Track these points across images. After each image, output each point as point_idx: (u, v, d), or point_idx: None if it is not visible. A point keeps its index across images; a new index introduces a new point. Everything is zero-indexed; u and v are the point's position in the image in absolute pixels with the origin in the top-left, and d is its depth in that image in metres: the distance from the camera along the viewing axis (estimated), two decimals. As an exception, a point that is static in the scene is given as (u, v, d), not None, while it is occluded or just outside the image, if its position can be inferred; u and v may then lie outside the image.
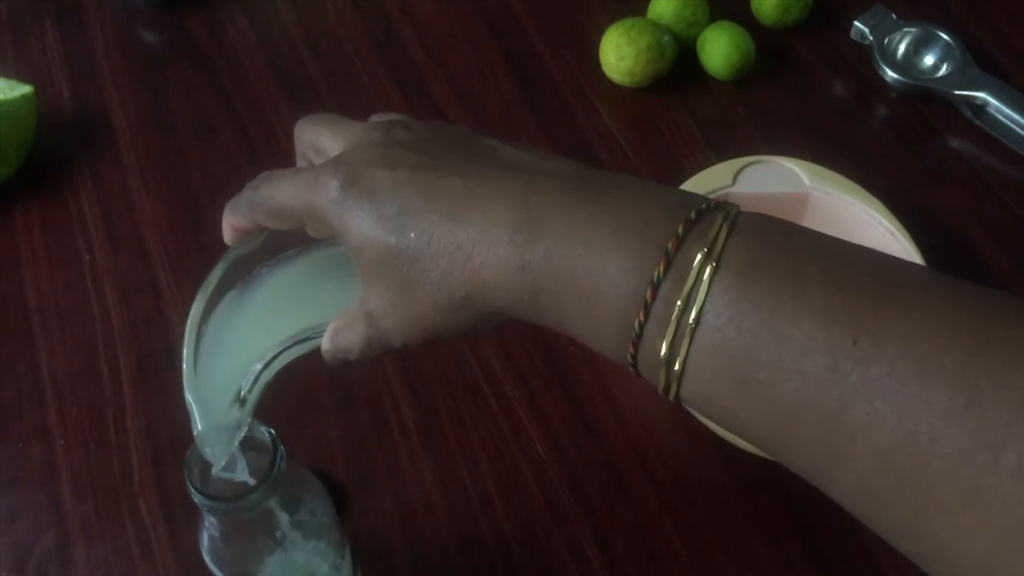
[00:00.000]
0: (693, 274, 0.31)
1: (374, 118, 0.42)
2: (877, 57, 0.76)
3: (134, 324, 0.65)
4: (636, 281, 0.32)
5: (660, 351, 0.32)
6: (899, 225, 0.62)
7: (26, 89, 0.71)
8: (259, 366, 0.40)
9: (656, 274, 0.31)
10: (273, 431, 0.41)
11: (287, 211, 0.38)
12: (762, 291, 0.30)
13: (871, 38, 0.78)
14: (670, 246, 0.31)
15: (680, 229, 0.32)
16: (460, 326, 0.36)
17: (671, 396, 0.33)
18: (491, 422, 0.60)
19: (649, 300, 0.32)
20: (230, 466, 0.40)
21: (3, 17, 0.82)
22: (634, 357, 0.33)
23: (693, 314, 0.31)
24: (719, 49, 0.75)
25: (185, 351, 0.40)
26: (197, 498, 0.40)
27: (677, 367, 0.32)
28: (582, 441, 0.59)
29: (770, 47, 0.79)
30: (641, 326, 0.32)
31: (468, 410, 0.61)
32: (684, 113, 0.76)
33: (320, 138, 0.40)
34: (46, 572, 0.56)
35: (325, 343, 0.39)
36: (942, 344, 0.28)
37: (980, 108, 0.74)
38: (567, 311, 0.34)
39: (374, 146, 0.37)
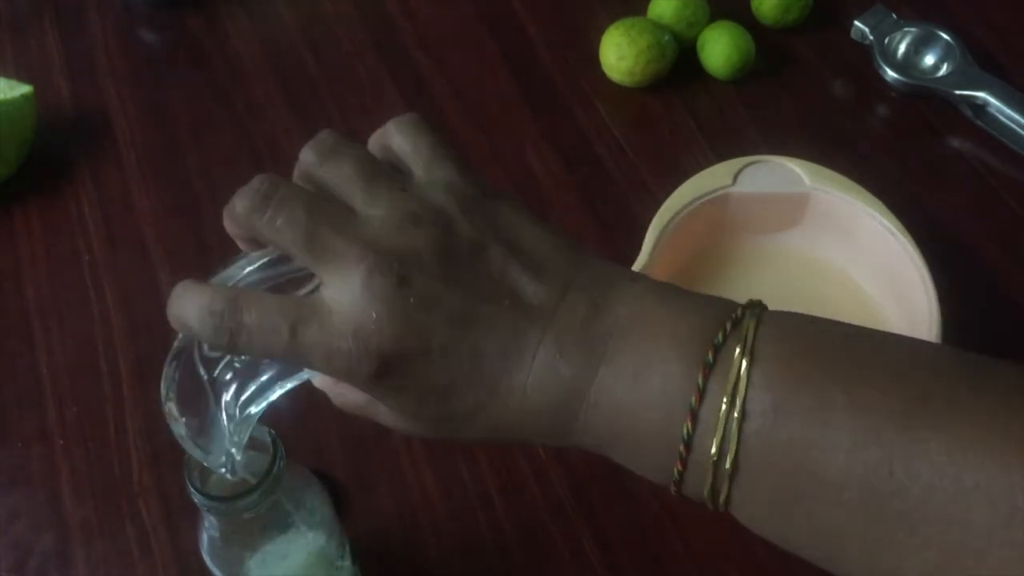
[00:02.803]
0: (713, 456, 0.31)
1: (374, 143, 0.38)
2: (877, 57, 0.76)
3: (134, 324, 0.65)
4: (662, 478, 0.33)
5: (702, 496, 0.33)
6: (899, 225, 0.62)
7: (26, 89, 0.71)
8: (252, 414, 0.38)
9: (677, 472, 0.32)
10: (273, 431, 0.41)
11: (291, 365, 0.36)
12: (792, 437, 0.31)
13: (871, 38, 0.77)
14: (685, 436, 0.32)
15: (684, 432, 0.32)
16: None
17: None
18: (491, 422, 0.60)
19: (675, 490, 0.33)
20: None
21: (3, 17, 0.82)
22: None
23: (723, 495, 0.32)
24: (719, 49, 0.75)
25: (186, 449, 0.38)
26: (197, 498, 0.40)
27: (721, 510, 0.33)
28: (582, 441, 0.59)
29: (770, 47, 0.78)
30: (678, 485, 0.33)
31: (468, 410, 0.61)
32: (684, 113, 0.75)
33: (331, 225, 0.34)
34: (46, 572, 0.56)
35: (328, 388, 0.39)
36: (978, 461, 0.29)
37: (980, 108, 0.74)
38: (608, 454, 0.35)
39: (395, 303, 0.32)
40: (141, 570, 0.56)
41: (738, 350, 0.31)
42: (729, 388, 0.31)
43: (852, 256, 0.65)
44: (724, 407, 0.31)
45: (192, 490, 0.40)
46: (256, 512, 0.40)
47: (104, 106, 0.76)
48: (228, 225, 0.36)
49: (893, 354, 0.33)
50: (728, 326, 0.32)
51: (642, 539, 0.56)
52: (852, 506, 0.30)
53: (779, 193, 0.64)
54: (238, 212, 0.35)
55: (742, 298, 0.34)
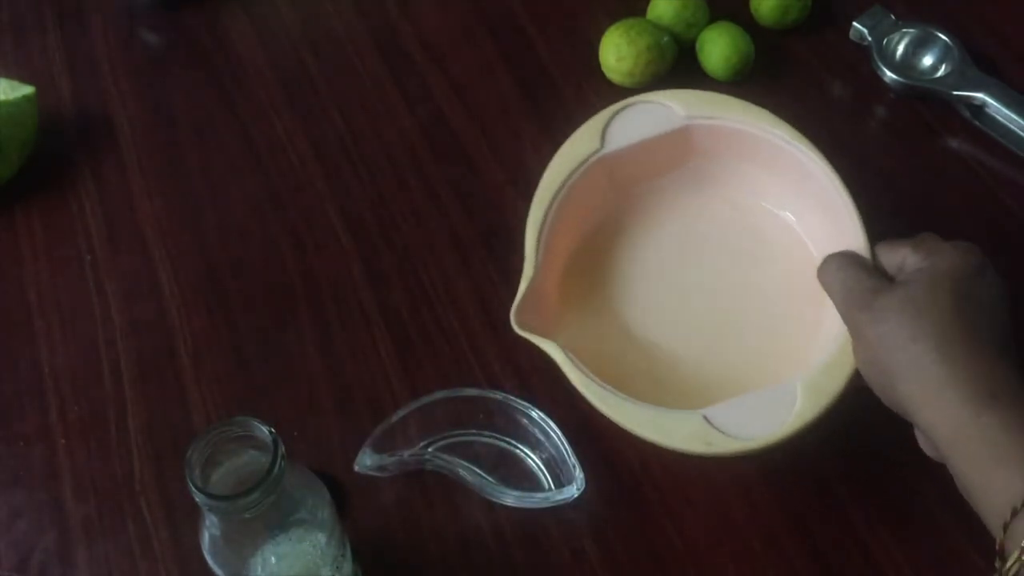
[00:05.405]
0: None
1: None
2: (876, 58, 0.77)
3: (135, 323, 0.65)
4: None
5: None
6: (795, 132, 0.59)
7: (27, 90, 0.71)
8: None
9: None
10: (273, 431, 0.41)
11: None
12: None
13: (870, 39, 0.78)
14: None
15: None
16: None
17: None
18: (491, 422, 0.61)
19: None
20: None
21: (5, 18, 0.82)
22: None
23: None
24: (718, 50, 0.75)
25: None
26: (198, 497, 0.40)
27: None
28: (581, 440, 0.59)
29: (769, 48, 0.79)
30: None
31: (468, 410, 0.61)
32: (683, 113, 0.76)
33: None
34: (48, 571, 0.56)
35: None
36: None
37: (979, 109, 0.74)
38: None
39: None
40: (143, 569, 0.56)
41: None
42: None
43: (755, 178, 0.61)
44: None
45: (193, 489, 0.40)
46: (257, 511, 0.41)
47: (105, 106, 0.76)
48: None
49: None
50: None
51: (642, 539, 0.57)
52: None
53: (652, 138, 0.59)
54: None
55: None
